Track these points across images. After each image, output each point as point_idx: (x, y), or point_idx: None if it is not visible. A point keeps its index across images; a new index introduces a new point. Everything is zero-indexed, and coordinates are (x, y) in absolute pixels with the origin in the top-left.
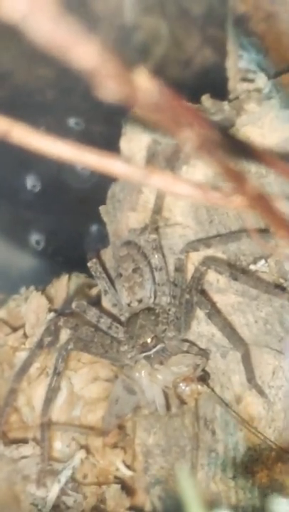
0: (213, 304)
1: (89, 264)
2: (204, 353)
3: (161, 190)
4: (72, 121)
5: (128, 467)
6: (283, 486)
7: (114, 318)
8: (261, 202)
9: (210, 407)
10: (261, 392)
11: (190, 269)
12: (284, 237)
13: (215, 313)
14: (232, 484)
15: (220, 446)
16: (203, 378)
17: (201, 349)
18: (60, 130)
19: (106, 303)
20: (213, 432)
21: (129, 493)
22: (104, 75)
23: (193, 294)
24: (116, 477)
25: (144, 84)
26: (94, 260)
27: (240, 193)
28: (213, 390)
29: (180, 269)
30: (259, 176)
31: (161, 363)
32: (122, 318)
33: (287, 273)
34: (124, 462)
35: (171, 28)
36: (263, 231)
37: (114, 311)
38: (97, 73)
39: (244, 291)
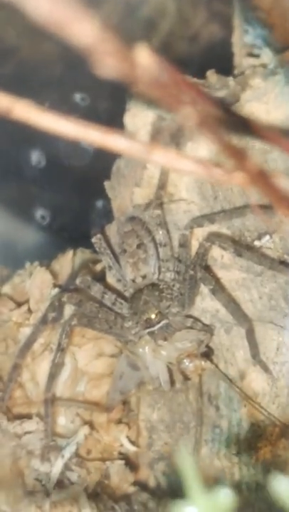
0: (218, 280)
1: (93, 240)
2: (208, 329)
3: (165, 166)
4: (77, 97)
5: (132, 443)
6: (286, 462)
7: (119, 294)
8: (262, 179)
9: (214, 382)
10: (265, 368)
11: (194, 245)
12: (285, 214)
13: (219, 289)
14: (236, 460)
15: (224, 422)
16: (207, 354)
17: (205, 325)
18: (65, 106)
19: (110, 278)
20: (217, 408)
21: (133, 469)
22: (103, 52)
23: (197, 270)
24: (120, 453)
25: (145, 60)
26: (98, 236)
27: (241, 170)
28: (217, 366)
29: (184, 244)
30: (263, 151)
31: (165, 339)
32: (127, 294)
33: None
34: (128, 438)
35: (177, 3)
36: (267, 207)
37: (119, 286)
38: (95, 50)
39: (248, 267)
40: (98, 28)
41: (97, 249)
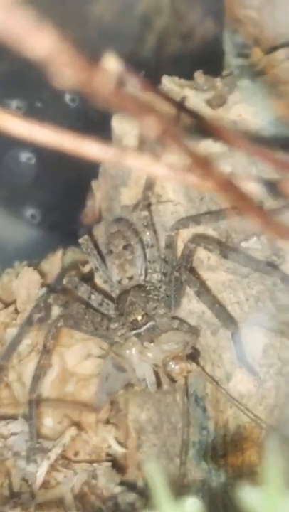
0: (203, 282)
1: (80, 241)
2: (194, 330)
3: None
4: (67, 97)
5: (120, 444)
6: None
7: (106, 295)
8: (229, 186)
9: (201, 384)
10: (251, 370)
11: (180, 247)
12: (253, 219)
13: (204, 291)
14: (222, 462)
15: (211, 423)
16: (193, 356)
17: (191, 326)
18: (55, 106)
19: (98, 279)
20: (204, 410)
21: (121, 470)
22: (60, 63)
23: (182, 272)
24: (108, 454)
25: (112, 68)
26: (85, 237)
27: (208, 177)
28: (203, 368)
29: (170, 246)
30: (226, 155)
31: (152, 341)
32: (113, 295)
33: (280, 250)
34: (116, 439)
35: (171, 1)
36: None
37: (106, 287)
38: (52, 62)
39: (235, 268)
40: (55, 39)
41: (84, 250)
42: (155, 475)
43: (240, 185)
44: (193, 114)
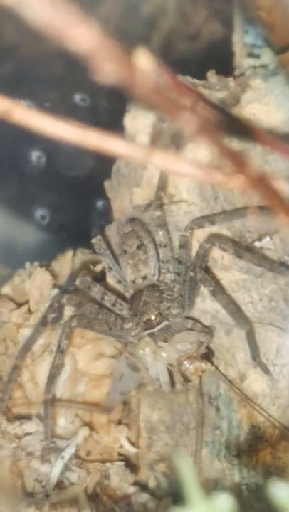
0: (218, 282)
1: (93, 241)
2: (208, 330)
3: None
4: (77, 98)
5: (132, 444)
6: (286, 464)
7: (119, 295)
8: (261, 183)
9: (214, 384)
10: (265, 370)
11: (195, 246)
12: (284, 218)
13: (219, 290)
14: (236, 462)
15: (224, 423)
16: (207, 356)
17: (205, 326)
18: (65, 106)
19: (110, 279)
20: (218, 409)
21: (133, 470)
22: (102, 57)
23: (197, 271)
24: (120, 454)
25: (145, 64)
26: (98, 237)
27: (240, 174)
28: (217, 367)
29: (184, 245)
30: (265, 152)
31: (165, 341)
32: (127, 295)
33: None
34: (128, 439)
35: (178, 2)
36: (265, 209)
37: (119, 287)
38: (94, 56)
39: (249, 268)
40: (97, 34)
41: (96, 250)
42: (186, 471)
43: (272, 184)
44: (216, 112)
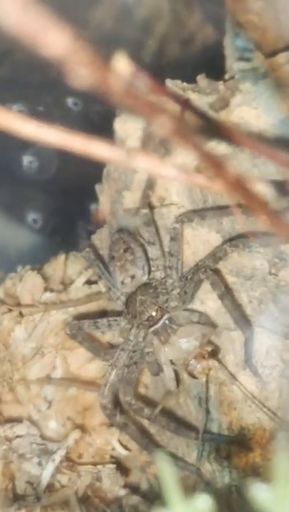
0: (227, 285)
1: (82, 254)
2: (212, 323)
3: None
4: (70, 101)
5: (124, 447)
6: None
7: (110, 314)
8: (239, 186)
9: (204, 386)
10: (256, 373)
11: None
12: (262, 219)
13: (227, 294)
14: (226, 463)
15: (214, 425)
16: (214, 353)
17: (209, 318)
18: (58, 110)
19: (102, 287)
20: (208, 411)
21: (125, 472)
22: (75, 61)
23: (209, 275)
24: (112, 456)
25: (123, 69)
26: (87, 249)
27: (219, 177)
28: (224, 365)
29: (175, 238)
30: (253, 156)
31: (170, 335)
32: (119, 303)
33: (282, 253)
34: (120, 442)
35: (172, 5)
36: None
37: (111, 295)
38: (67, 60)
39: (238, 270)
40: (70, 38)
41: (86, 262)
42: (166, 472)
43: (250, 186)
44: (200, 115)
